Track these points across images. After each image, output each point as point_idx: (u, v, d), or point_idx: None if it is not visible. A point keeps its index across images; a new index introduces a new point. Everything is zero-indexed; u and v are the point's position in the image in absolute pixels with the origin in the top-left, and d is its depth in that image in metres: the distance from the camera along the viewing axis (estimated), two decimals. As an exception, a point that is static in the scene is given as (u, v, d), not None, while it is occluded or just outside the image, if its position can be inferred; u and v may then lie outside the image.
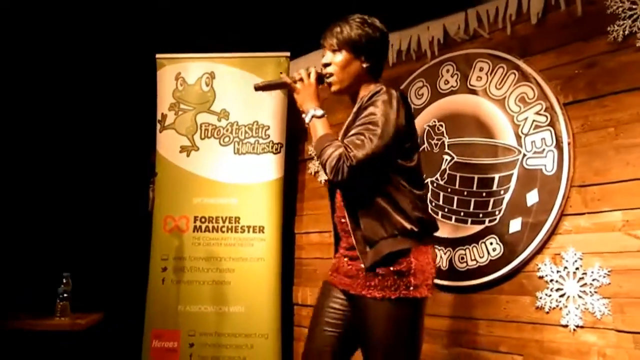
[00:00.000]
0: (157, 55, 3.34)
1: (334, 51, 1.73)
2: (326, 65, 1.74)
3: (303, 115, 1.71)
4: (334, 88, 1.74)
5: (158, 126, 3.31)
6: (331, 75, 1.72)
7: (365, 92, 1.70)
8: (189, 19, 3.30)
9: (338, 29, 1.71)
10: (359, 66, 1.72)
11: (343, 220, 1.71)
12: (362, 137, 1.55)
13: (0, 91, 3.04)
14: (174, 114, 3.31)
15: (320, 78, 1.73)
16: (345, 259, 1.76)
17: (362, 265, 1.63)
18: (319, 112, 1.67)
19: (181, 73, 3.33)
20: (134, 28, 3.35)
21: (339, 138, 1.68)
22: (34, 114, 3.19)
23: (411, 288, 1.58)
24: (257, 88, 1.81)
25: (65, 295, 2.66)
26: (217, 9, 3.24)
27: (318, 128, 1.66)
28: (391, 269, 1.59)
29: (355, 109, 1.71)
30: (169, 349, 3.05)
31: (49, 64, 3.26)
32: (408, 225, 1.61)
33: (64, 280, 2.68)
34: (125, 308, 3.14)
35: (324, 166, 1.58)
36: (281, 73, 1.82)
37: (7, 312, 2.69)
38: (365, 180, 1.61)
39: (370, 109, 1.59)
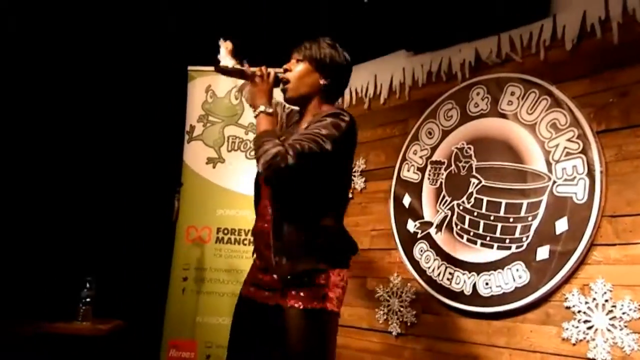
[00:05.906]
0: (189, 68, 3.39)
1: (297, 61, 1.78)
2: (286, 70, 1.78)
3: (252, 109, 1.74)
4: (288, 94, 1.78)
5: (186, 137, 3.35)
6: (288, 81, 1.76)
7: (317, 110, 1.76)
8: (223, 32, 3.35)
9: (307, 45, 1.78)
10: (316, 80, 1.76)
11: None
12: (303, 143, 1.57)
13: (34, 98, 3.11)
14: (202, 125, 3.35)
15: (277, 80, 1.76)
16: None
17: (275, 276, 1.65)
18: (269, 109, 1.70)
19: (211, 86, 3.37)
20: (169, 39, 3.42)
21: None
22: (67, 119, 3.25)
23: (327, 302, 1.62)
24: (218, 69, 1.79)
25: (88, 300, 2.67)
26: (251, 25, 3.28)
27: (263, 123, 1.68)
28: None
29: (300, 121, 1.76)
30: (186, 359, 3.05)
31: (87, 73, 3.33)
32: (326, 247, 1.65)
33: (88, 285, 2.69)
34: (145, 316, 3.15)
35: (258, 159, 1.59)
36: (245, 61, 1.80)
37: (29, 315, 2.70)
38: (296, 189, 1.63)
39: (319, 123, 1.63)
